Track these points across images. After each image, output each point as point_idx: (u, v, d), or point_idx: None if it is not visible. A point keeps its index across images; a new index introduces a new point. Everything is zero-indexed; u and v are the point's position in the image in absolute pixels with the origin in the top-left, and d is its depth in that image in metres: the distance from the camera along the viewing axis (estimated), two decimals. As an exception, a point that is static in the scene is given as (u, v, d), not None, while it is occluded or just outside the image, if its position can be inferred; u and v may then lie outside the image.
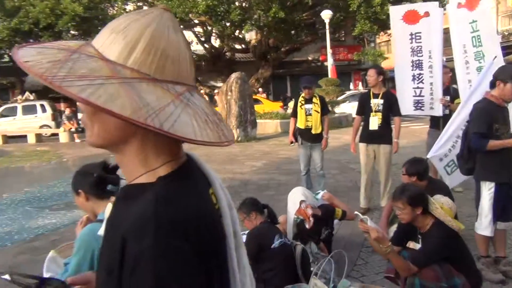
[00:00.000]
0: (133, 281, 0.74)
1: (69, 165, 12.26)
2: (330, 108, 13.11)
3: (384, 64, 21.60)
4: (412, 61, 6.02)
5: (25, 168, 11.84)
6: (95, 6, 21.10)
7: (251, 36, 26.39)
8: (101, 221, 2.02)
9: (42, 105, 21.47)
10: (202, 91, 21.03)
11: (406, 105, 6.06)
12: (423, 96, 6.00)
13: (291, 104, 20.82)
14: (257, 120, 15.62)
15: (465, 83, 5.53)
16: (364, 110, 5.85)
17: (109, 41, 0.80)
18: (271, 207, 3.75)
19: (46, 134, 20.28)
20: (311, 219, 3.79)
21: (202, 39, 24.83)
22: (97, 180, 2.11)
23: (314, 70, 27.29)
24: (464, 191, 6.10)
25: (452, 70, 5.89)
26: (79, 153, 14.29)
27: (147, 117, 0.73)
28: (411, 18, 5.94)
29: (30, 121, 20.83)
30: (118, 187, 2.19)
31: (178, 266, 0.74)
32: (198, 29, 24.90)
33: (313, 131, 6.24)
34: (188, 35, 22.82)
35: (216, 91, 19.79)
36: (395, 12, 6.20)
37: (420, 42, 5.92)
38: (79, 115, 23.63)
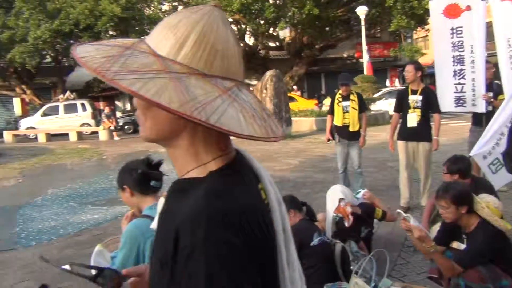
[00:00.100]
0: (185, 273, 0.76)
1: (108, 163, 12.59)
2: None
3: (422, 60, 21.07)
4: (453, 57, 5.86)
5: (67, 165, 12.24)
6: (132, 7, 21.52)
7: (285, 33, 26.34)
8: (146, 216, 2.06)
9: (82, 104, 22.14)
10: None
11: (446, 102, 5.90)
12: (464, 92, 5.83)
13: (325, 101, 20.68)
14: (292, 118, 15.57)
15: (509, 79, 5.34)
16: (402, 106, 5.74)
17: (161, 38, 0.83)
18: (309, 205, 3.73)
19: (86, 132, 20.90)
20: (351, 217, 3.75)
21: (237, 37, 24.90)
22: (141, 176, 2.15)
23: (349, 67, 26.95)
24: (509, 190, 5.90)
25: (495, 65, 5.70)
26: (118, 151, 14.66)
27: (194, 110, 0.75)
28: (452, 12, 5.78)
29: (71, 119, 21.52)
30: (161, 183, 2.23)
31: (229, 259, 0.75)
32: (232, 27, 25.01)
33: (350, 129, 6.17)
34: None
35: (250, 89, 19.82)
36: (435, 6, 6.04)
37: (462, 37, 5.75)
38: (118, 114, 24.25)
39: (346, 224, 3.77)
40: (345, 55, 30.77)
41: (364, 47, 20.09)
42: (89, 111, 22.01)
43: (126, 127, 21.80)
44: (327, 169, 8.69)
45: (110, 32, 21.18)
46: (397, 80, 29.52)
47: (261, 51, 27.73)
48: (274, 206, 0.93)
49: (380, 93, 19.80)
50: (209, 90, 0.79)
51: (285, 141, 13.68)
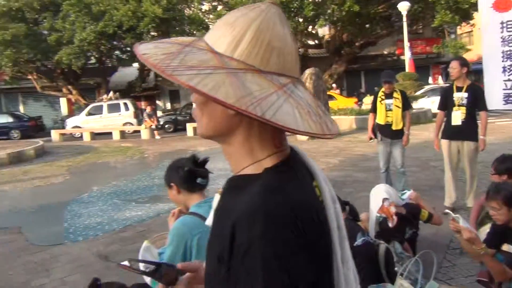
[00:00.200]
0: (242, 269, 0.76)
1: (150, 161, 12.88)
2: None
3: (466, 57, 20.34)
4: (503, 52, 5.63)
5: (111, 163, 12.59)
6: (172, 8, 21.88)
7: (324, 31, 26.08)
8: (193, 213, 2.10)
9: (125, 104, 22.74)
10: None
11: (494, 99, 5.68)
12: (514, 89, 5.60)
13: (365, 99, 20.36)
14: (331, 117, 15.35)
15: None
16: (447, 104, 5.57)
17: (218, 35, 0.85)
18: (352, 204, 3.69)
19: (128, 131, 21.44)
20: (395, 217, 3.67)
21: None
22: (187, 173, 2.19)
23: (390, 64, 26.38)
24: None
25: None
26: (159, 149, 14.97)
27: (249, 105, 0.76)
28: (502, 5, 5.55)
29: (114, 119, 22.15)
30: (207, 181, 2.26)
31: (286, 255, 0.75)
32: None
33: (393, 127, 6.05)
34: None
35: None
36: (484, 0, 5.82)
37: (512, 31, 5.53)
38: (158, 113, 24.75)
39: (390, 224, 3.70)
40: (385, 52, 30.16)
41: (406, 43, 19.60)
42: (131, 111, 22.59)
43: (166, 126, 22.23)
44: (368, 168, 8.56)
45: (152, 33, 21.61)
46: (440, 77, 28.69)
47: (300, 50, 27.60)
48: (328, 203, 0.92)
49: (422, 90, 19.28)
50: (264, 86, 0.80)
51: (324, 140, 13.55)
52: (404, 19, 19.13)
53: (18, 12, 23.33)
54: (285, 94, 0.82)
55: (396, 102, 6.04)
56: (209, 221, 1.07)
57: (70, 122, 23.15)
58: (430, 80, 26.40)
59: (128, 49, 25.15)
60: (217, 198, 1.01)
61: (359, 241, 3.23)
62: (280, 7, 0.89)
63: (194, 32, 21.91)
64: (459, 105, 5.40)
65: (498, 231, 2.99)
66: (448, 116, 5.54)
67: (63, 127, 23.50)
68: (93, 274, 4.42)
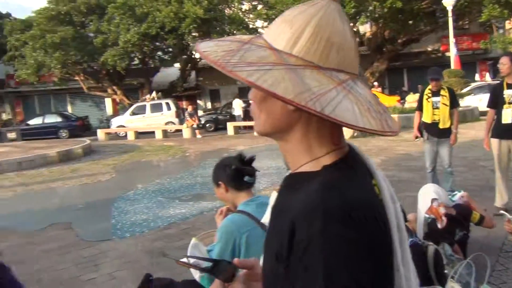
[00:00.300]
0: (301, 266, 0.76)
1: (192, 160, 13.08)
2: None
3: (517, 52, 19.53)
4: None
5: (154, 162, 12.88)
6: (213, 8, 22.15)
7: (365, 28, 25.65)
8: (241, 211, 2.11)
9: (167, 104, 23.20)
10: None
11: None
12: None
13: (408, 98, 19.86)
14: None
15: None
16: (497, 102, 5.36)
17: (277, 32, 0.85)
18: (401, 205, 3.60)
19: (170, 130, 21.86)
20: (444, 218, 3.57)
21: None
22: (234, 172, 2.21)
23: (433, 61, 25.65)
24: None
25: None
26: (200, 148, 15.18)
27: (309, 101, 0.76)
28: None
29: (157, 118, 22.63)
30: (255, 179, 2.27)
31: (346, 253, 0.75)
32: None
33: (440, 126, 5.86)
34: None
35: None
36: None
37: None
38: (199, 112, 25.09)
39: (439, 225, 3.59)
40: (429, 49, 29.32)
41: (452, 39, 18.98)
42: (173, 110, 23.01)
43: (207, 125, 22.52)
44: (413, 168, 8.35)
45: (193, 34, 21.92)
46: (487, 74, 27.59)
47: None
48: (388, 202, 0.91)
49: (468, 88, 18.64)
50: (324, 82, 0.80)
51: (365, 139, 13.36)
52: (450, 14, 18.55)
53: (66, 16, 24.27)
54: (345, 90, 0.81)
55: (443, 99, 5.86)
56: (266, 219, 1.07)
57: (115, 122, 23.86)
58: (477, 77, 25.48)
59: (170, 49, 25.66)
60: (274, 195, 1.01)
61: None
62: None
63: (234, 31, 22.04)
64: (509, 103, 5.19)
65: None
66: (498, 114, 5.34)
67: (108, 127, 24.24)
68: (140, 270, 4.53)
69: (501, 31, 29.50)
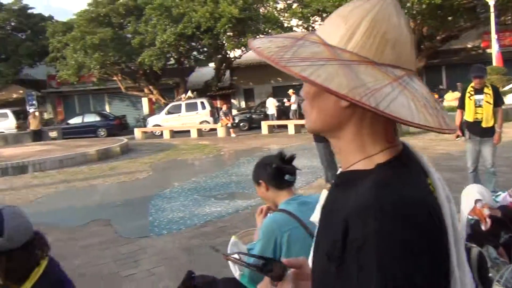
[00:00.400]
0: (355, 265, 0.75)
1: (227, 158, 13.16)
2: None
3: None
4: None
5: (189, 160, 13.04)
6: (248, 7, 22.22)
7: (403, 25, 25.12)
8: (282, 210, 2.10)
9: (202, 103, 23.48)
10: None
11: None
12: None
13: (447, 96, 19.34)
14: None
15: None
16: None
17: (332, 28, 0.84)
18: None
19: (205, 129, 22.09)
20: (488, 220, 3.44)
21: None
22: (275, 170, 2.20)
23: (474, 58, 24.85)
24: None
25: None
26: (234, 147, 15.27)
27: (363, 96, 0.75)
28: None
29: (192, 117, 22.91)
30: (295, 177, 2.26)
31: (402, 252, 0.73)
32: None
33: (483, 124, 5.68)
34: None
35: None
36: None
37: None
38: (233, 111, 25.23)
39: (483, 227, 3.47)
40: (469, 46, 28.44)
41: (493, 36, 18.36)
42: (208, 109, 23.25)
43: (241, 124, 22.62)
44: (453, 168, 8.12)
45: (228, 33, 22.06)
46: (532, 71, 26.56)
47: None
48: (443, 201, 0.88)
49: (511, 85, 17.99)
50: (379, 77, 0.79)
51: (404, 138, 13.00)
52: (492, 9, 17.94)
53: (105, 18, 24.91)
54: (400, 86, 0.79)
55: (486, 97, 5.67)
56: (314, 218, 1.06)
57: (151, 121, 24.31)
58: (521, 74, 24.54)
59: (205, 49, 25.91)
60: (324, 194, 1.00)
61: (449, 244, 3.06)
62: None
63: (269, 30, 22.04)
64: None
65: None
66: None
67: (145, 126, 24.72)
68: (178, 266, 4.61)
69: (546, 26, 28.31)
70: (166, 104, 25.17)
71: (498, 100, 5.74)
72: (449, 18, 22.74)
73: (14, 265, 1.55)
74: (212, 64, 28.01)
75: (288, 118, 21.92)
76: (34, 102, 26.33)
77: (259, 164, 2.31)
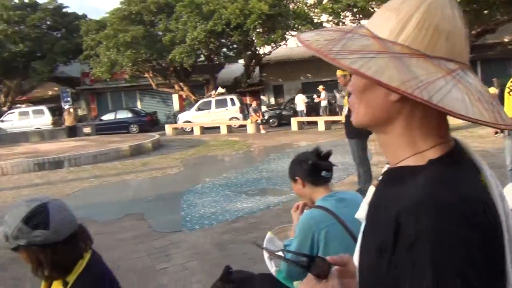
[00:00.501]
0: (408, 262, 0.74)
1: (257, 154, 13.19)
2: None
3: None
4: None
5: (220, 156, 13.13)
6: (278, 3, 22.16)
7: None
8: (319, 207, 2.09)
9: (231, 99, 23.61)
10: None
11: None
12: None
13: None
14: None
15: None
16: None
17: (382, 21, 0.83)
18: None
19: (235, 125, 22.20)
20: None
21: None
22: (311, 167, 2.19)
23: (510, 53, 24.12)
24: None
25: None
26: (264, 143, 15.28)
27: (415, 89, 0.73)
28: None
29: (222, 113, 23.08)
30: (332, 174, 2.24)
31: (456, 250, 0.72)
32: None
33: (523, 121, 5.49)
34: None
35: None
36: None
37: None
38: (263, 108, 25.25)
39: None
40: (506, 40, 27.56)
41: (532, 29, 17.72)
42: (237, 106, 23.38)
43: (271, 120, 22.62)
44: (489, 165, 7.84)
45: (258, 30, 22.06)
46: None
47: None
48: (497, 199, 0.85)
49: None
50: (431, 70, 0.77)
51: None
52: (531, 2, 17.31)
53: (137, 16, 25.30)
54: (454, 79, 0.78)
55: (527, 93, 5.48)
56: (359, 215, 1.04)
57: (182, 117, 24.63)
58: (561, 69, 23.63)
59: (235, 46, 25.99)
60: (371, 190, 0.98)
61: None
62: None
63: (299, 27, 21.92)
64: None
65: None
66: None
67: (175, 122, 25.06)
68: (210, 261, 4.65)
69: None
70: (196, 101, 25.41)
71: (540, 95, 5.54)
72: (485, 11, 22.08)
73: (59, 257, 1.59)
74: (241, 61, 28.09)
75: (318, 114, 21.80)
76: (69, 99, 26.99)
77: (295, 160, 2.30)
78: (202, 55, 25.97)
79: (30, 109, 25.75)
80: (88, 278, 1.63)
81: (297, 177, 2.23)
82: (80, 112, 31.32)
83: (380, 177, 0.96)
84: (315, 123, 19.10)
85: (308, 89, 26.47)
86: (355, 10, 20.53)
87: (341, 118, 8.96)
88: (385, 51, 0.78)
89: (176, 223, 6.16)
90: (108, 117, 26.41)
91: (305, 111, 21.94)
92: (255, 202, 6.97)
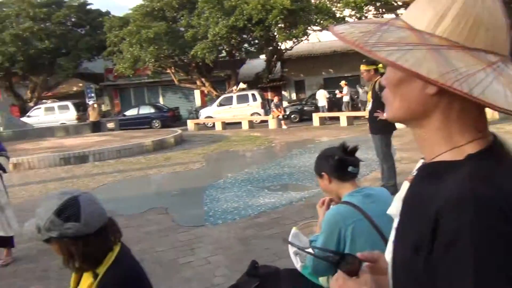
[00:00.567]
0: (448, 259, 0.73)
1: (278, 150, 13.18)
2: None
3: None
4: None
5: (242, 151, 13.16)
6: (300, -2, 22.07)
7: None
8: (346, 202, 2.07)
9: (253, 95, 23.64)
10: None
11: None
12: None
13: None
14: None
15: None
16: None
17: (418, 12, 0.82)
18: None
19: (256, 121, 22.22)
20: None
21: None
22: (337, 162, 2.17)
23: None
24: None
25: None
26: (286, 139, 15.25)
27: (454, 81, 0.72)
28: None
29: (243, 109, 23.14)
30: (358, 169, 2.22)
31: (498, 247, 0.70)
32: (402, 11, 23.81)
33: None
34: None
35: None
36: None
37: None
38: (284, 103, 25.19)
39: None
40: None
41: None
42: (259, 101, 23.40)
43: (292, 116, 22.55)
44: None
45: (280, 25, 21.99)
46: None
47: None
48: None
49: None
50: (471, 63, 0.75)
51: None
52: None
53: (159, 12, 25.50)
54: (495, 72, 0.76)
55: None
56: (392, 211, 1.03)
57: (203, 113, 24.80)
58: None
59: (256, 41, 25.97)
60: (405, 185, 0.97)
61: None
62: None
63: (321, 21, 21.76)
64: None
65: None
66: None
67: (197, 117, 25.23)
68: (233, 256, 4.67)
69: None
70: (218, 96, 25.53)
71: None
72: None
73: (90, 249, 1.63)
74: (263, 56, 28.07)
75: (339, 110, 21.64)
76: (93, 94, 27.44)
77: (321, 156, 2.29)
78: (223, 51, 26.04)
79: (55, 104, 26.25)
80: (118, 270, 1.66)
81: (323, 173, 2.21)
82: (103, 108, 31.78)
83: (415, 172, 0.95)
84: (337, 118, 18.97)
85: (330, 84, 26.29)
86: (378, 4, 20.26)
87: (365, 113, 8.86)
88: (423, 43, 0.77)
89: (199, 217, 6.21)
90: (131, 112, 26.77)
91: (326, 107, 21.81)
92: (278, 197, 6.97)
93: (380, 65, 6.50)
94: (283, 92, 30.26)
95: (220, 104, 24.12)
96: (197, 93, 31.15)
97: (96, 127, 21.07)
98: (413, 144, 11.43)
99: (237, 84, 25.57)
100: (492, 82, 0.74)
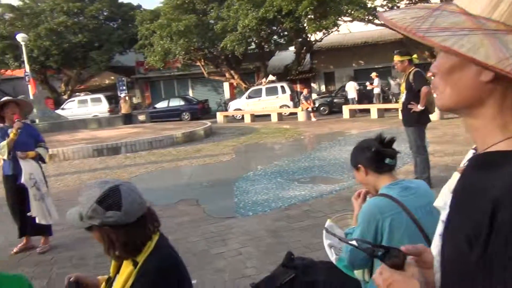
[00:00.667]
0: (507, 250, 0.70)
1: (308, 142, 13.11)
2: None
3: None
4: None
5: (271, 144, 13.15)
6: (330, -11, 21.72)
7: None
8: (384, 195, 2.04)
9: (282, 87, 23.55)
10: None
11: None
12: None
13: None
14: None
15: None
16: None
17: None
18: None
19: (285, 113, 22.16)
20: None
21: None
22: (374, 154, 2.13)
23: None
24: None
25: None
26: (315, 131, 15.16)
27: None
28: None
29: (272, 101, 23.09)
30: (396, 161, 2.18)
31: None
32: (436, 0, 23.19)
33: None
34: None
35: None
36: None
37: None
38: (313, 95, 25.00)
39: None
40: None
41: None
42: (288, 93, 23.30)
43: (322, 108, 22.36)
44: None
45: (310, 16, 21.74)
46: None
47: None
48: None
49: None
50: None
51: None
52: None
53: (189, 5, 25.63)
54: None
55: None
56: (439, 202, 1.01)
57: (232, 105, 24.89)
58: None
59: (286, 33, 25.80)
60: (455, 176, 0.94)
61: None
62: None
63: (352, 12, 21.41)
64: None
65: None
66: None
67: (226, 110, 25.35)
68: (264, 247, 4.69)
69: None
70: (247, 89, 25.54)
71: None
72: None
73: (130, 238, 1.66)
74: (292, 48, 27.88)
75: (370, 102, 21.34)
76: (124, 87, 27.89)
77: (357, 148, 2.26)
78: (253, 43, 25.97)
79: (88, 97, 26.81)
80: (157, 259, 1.69)
81: (359, 165, 2.18)
82: (134, 100, 32.27)
83: (467, 163, 0.92)
84: (368, 111, 18.71)
85: (361, 76, 25.93)
86: (411, -7, 19.79)
87: (398, 105, 8.71)
88: (479, 28, 0.75)
89: (230, 209, 6.25)
90: (161, 105, 27.09)
91: (356, 99, 21.54)
92: (308, 190, 6.94)
93: (415, 56, 6.36)
94: (312, 84, 30.02)
95: (249, 97, 24.15)
96: (226, 86, 31.25)
97: (128, 119, 21.43)
98: (447, 137, 11.17)
99: (266, 76, 25.53)
100: None
